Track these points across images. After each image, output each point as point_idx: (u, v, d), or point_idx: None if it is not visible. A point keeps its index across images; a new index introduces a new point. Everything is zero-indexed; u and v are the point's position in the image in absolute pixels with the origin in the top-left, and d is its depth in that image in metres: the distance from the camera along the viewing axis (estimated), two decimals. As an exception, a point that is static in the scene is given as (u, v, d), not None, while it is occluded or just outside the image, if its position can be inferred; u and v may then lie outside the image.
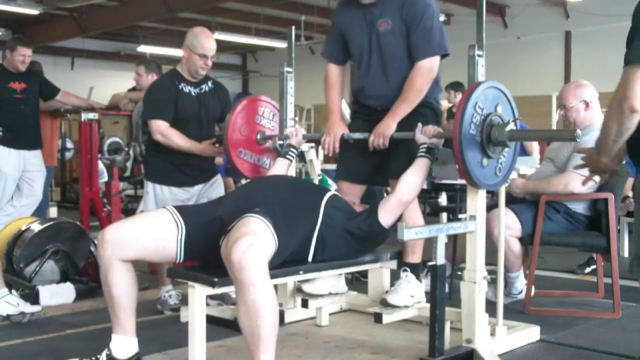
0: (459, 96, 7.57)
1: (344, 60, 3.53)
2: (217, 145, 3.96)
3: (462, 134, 2.76)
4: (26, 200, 5.21)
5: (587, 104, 3.91)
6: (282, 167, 3.49)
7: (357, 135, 3.40)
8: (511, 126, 2.91)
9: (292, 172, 3.80)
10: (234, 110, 3.69)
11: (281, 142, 3.69)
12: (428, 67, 3.22)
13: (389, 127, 3.24)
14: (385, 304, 3.20)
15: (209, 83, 4.06)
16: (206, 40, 3.87)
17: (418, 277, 3.35)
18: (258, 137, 3.77)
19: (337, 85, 3.53)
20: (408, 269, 3.32)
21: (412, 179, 3.06)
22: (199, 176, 4.02)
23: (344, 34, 3.45)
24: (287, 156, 3.53)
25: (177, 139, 3.84)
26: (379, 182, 3.59)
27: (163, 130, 3.83)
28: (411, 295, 3.24)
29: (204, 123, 3.98)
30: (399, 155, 3.28)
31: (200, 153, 3.92)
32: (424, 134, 3.12)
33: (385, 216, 3.03)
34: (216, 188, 4.10)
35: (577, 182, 3.86)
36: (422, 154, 3.11)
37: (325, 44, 3.60)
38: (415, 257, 3.35)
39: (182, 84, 3.92)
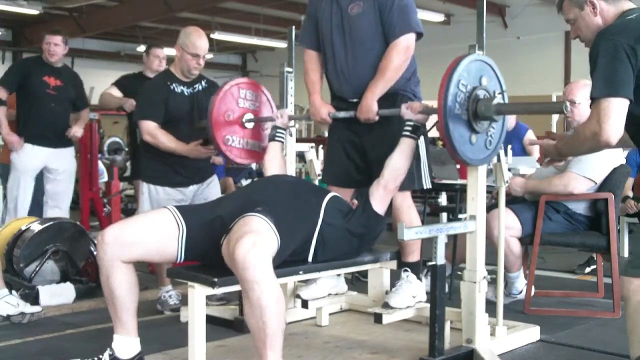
0: None
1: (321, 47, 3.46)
2: (206, 146, 3.89)
3: (447, 116, 2.67)
4: (52, 202, 5.17)
5: None
6: (275, 152, 3.48)
7: (342, 114, 3.32)
8: (498, 99, 2.81)
9: (292, 172, 3.81)
10: (214, 100, 3.60)
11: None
12: (405, 45, 3.17)
13: (370, 105, 3.17)
14: (387, 307, 3.20)
15: (203, 82, 4.03)
16: (198, 40, 3.85)
17: (418, 276, 3.34)
18: (243, 120, 3.70)
19: (317, 70, 3.45)
20: (409, 269, 3.31)
21: (397, 164, 3.03)
22: (194, 177, 4.00)
23: (317, 19, 3.42)
24: (277, 139, 3.51)
25: (164, 140, 3.81)
26: (365, 185, 3.56)
27: (151, 130, 3.81)
28: (413, 295, 3.24)
29: (195, 124, 3.92)
30: (382, 160, 3.26)
31: (187, 154, 3.87)
32: (410, 110, 3.05)
33: (377, 204, 3.02)
34: (212, 189, 4.09)
35: (578, 183, 3.87)
36: (408, 133, 3.04)
37: (302, 31, 3.54)
38: (414, 257, 3.34)
39: (174, 84, 3.90)
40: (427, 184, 3.29)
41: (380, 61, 3.20)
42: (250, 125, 3.73)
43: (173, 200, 3.87)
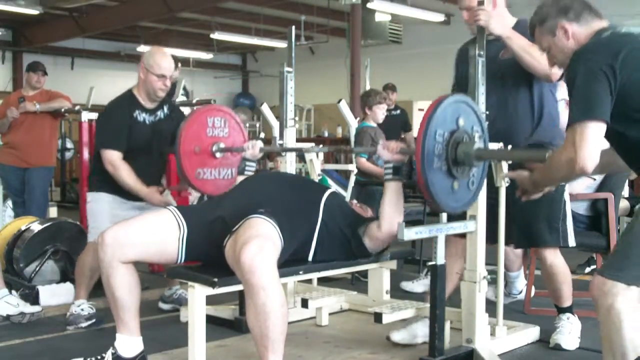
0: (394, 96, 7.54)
1: None
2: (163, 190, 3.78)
3: (426, 173, 2.53)
4: None
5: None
6: None
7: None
8: (478, 144, 2.70)
9: (292, 172, 3.80)
10: (181, 135, 3.48)
11: (281, 142, 3.68)
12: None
13: None
14: (559, 347, 3.30)
15: (165, 109, 3.87)
16: (163, 60, 3.70)
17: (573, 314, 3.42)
18: (213, 149, 3.60)
19: None
20: (567, 312, 3.40)
21: (388, 212, 2.93)
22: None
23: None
24: (246, 172, 3.40)
25: (125, 176, 3.64)
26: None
27: (114, 161, 3.65)
28: (578, 336, 3.34)
29: (154, 154, 3.82)
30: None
31: (144, 197, 3.69)
32: (387, 150, 2.92)
33: (371, 244, 2.99)
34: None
35: (577, 182, 3.86)
36: (390, 176, 2.95)
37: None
38: (568, 302, 3.41)
39: (137, 111, 3.75)
40: (572, 242, 3.32)
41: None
42: (220, 154, 3.62)
43: (126, 206, 3.74)
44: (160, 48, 3.84)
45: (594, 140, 2.13)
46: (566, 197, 3.27)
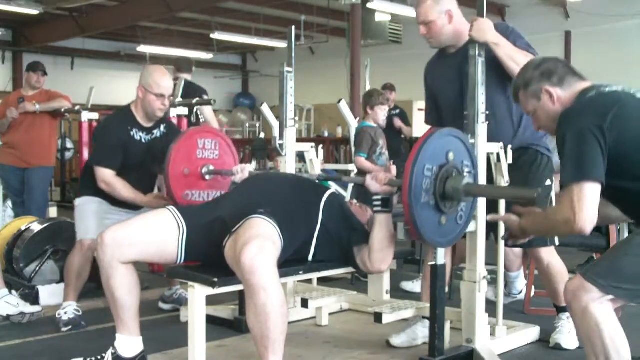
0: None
1: None
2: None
3: (413, 208, 2.48)
4: None
5: None
6: None
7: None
8: (467, 179, 2.65)
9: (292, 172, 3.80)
10: (170, 155, 3.43)
11: (281, 142, 3.68)
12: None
13: None
14: (559, 347, 3.29)
15: (162, 127, 3.83)
16: (162, 79, 3.66)
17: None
18: (203, 171, 3.56)
19: None
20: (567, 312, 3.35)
21: (381, 244, 2.84)
22: (130, 204, 3.78)
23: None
24: None
25: (121, 190, 3.64)
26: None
27: (107, 179, 3.63)
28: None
29: (147, 172, 3.80)
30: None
31: (145, 205, 3.69)
32: (375, 180, 2.82)
33: (362, 267, 2.94)
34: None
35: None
36: (379, 209, 2.85)
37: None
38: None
39: (134, 130, 3.71)
40: (556, 242, 3.39)
41: None
42: (209, 177, 3.58)
43: (113, 211, 3.74)
44: (160, 67, 3.79)
45: (591, 201, 2.13)
46: (553, 196, 3.25)
